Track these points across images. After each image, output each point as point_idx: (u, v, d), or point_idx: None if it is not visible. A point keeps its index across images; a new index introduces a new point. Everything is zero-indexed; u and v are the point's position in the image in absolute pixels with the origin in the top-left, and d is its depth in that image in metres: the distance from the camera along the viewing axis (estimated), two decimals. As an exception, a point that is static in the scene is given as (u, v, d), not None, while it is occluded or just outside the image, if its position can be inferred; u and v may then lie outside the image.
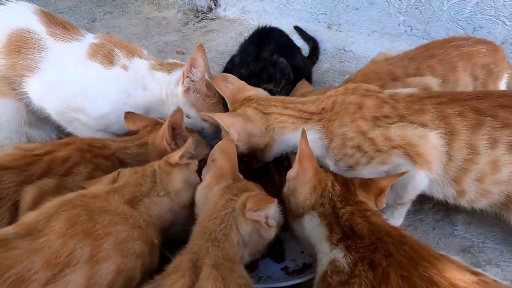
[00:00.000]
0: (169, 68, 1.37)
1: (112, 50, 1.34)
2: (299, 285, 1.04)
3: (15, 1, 1.34)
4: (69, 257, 0.73)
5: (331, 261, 0.80)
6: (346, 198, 0.90)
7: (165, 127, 1.09)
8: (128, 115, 1.24)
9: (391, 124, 1.04)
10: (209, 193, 0.95)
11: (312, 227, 0.91)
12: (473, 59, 1.32)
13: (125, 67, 1.34)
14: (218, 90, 1.28)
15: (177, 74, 1.34)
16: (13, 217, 0.93)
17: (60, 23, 1.33)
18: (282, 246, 1.17)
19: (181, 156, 0.99)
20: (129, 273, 0.81)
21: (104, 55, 1.33)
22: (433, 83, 1.33)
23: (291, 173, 0.98)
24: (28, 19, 1.30)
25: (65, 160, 1.03)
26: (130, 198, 0.91)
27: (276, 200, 0.89)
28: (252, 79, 1.52)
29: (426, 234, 1.23)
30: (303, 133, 0.96)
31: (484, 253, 1.16)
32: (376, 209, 0.92)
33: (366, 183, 0.94)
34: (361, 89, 1.14)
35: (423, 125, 1.03)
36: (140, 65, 1.36)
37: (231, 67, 1.70)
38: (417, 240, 0.80)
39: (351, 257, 0.77)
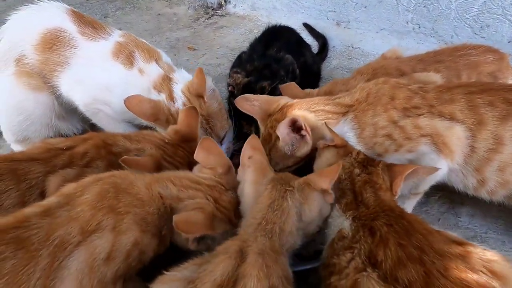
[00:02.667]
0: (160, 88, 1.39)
1: (134, 51, 1.40)
2: (309, 270, 1.10)
3: (47, 0, 1.42)
4: (97, 226, 0.85)
5: (339, 231, 0.90)
6: (365, 167, 1.00)
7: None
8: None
9: (420, 115, 1.10)
10: (259, 187, 0.96)
11: None
12: (479, 68, 1.38)
13: (141, 71, 1.39)
14: (245, 111, 1.30)
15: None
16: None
17: (89, 22, 1.42)
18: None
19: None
20: (143, 247, 0.91)
21: (126, 55, 1.39)
22: (437, 78, 1.38)
23: (321, 141, 1.08)
24: (61, 19, 1.38)
25: (84, 155, 1.10)
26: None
27: (339, 166, 0.95)
28: (254, 75, 1.57)
29: (432, 224, 1.22)
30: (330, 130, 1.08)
31: (486, 243, 1.21)
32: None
33: (391, 166, 1.02)
34: (392, 81, 1.20)
35: (451, 115, 1.08)
36: (153, 72, 1.41)
37: (238, 63, 1.76)
38: (416, 216, 0.89)
39: (355, 225, 0.87)
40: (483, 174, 1.10)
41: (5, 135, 1.52)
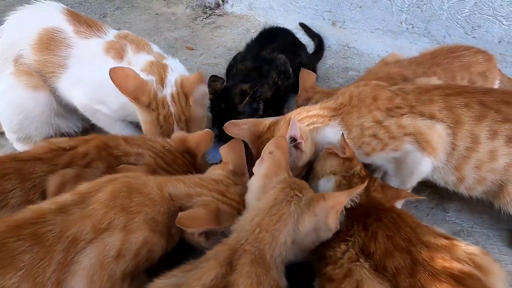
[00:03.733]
0: (151, 71, 1.37)
1: (125, 45, 1.41)
2: (304, 262, 1.14)
3: (43, 0, 1.44)
4: (109, 224, 0.89)
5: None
6: (362, 178, 1.05)
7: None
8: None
9: (403, 114, 1.15)
10: (268, 183, 0.93)
11: (325, 188, 1.07)
12: (471, 68, 1.44)
13: (130, 63, 1.39)
14: (235, 136, 1.27)
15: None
16: (43, 203, 1.04)
17: (84, 21, 1.43)
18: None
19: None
20: (152, 246, 0.94)
21: (117, 50, 1.40)
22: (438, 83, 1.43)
23: (328, 145, 1.13)
24: (57, 19, 1.40)
25: (85, 155, 1.12)
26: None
27: (362, 186, 0.92)
28: (244, 75, 1.60)
29: (420, 219, 1.28)
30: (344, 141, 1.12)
31: (472, 236, 1.26)
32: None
33: (387, 187, 1.08)
34: (373, 83, 1.25)
35: (431, 115, 1.13)
36: (142, 61, 1.39)
37: (233, 63, 1.80)
38: (405, 211, 0.95)
39: (349, 221, 0.92)
40: (462, 172, 1.16)
41: (7, 134, 1.55)
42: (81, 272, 0.83)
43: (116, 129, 1.50)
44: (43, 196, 1.04)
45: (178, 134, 1.27)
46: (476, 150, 1.11)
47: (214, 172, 1.12)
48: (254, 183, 0.99)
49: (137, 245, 0.90)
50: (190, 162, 1.23)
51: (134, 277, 0.94)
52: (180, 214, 0.93)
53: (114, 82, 1.24)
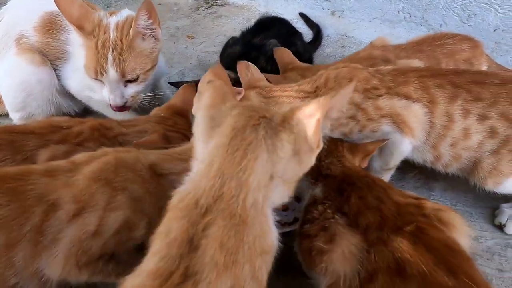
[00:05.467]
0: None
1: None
2: (289, 233, 1.19)
3: None
4: (91, 199, 0.86)
5: (311, 196, 0.99)
6: (330, 152, 1.07)
7: None
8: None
9: (379, 96, 1.18)
10: (217, 113, 0.70)
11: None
12: (456, 55, 1.47)
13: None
14: (239, 74, 1.32)
15: None
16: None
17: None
18: None
19: None
20: (133, 226, 0.91)
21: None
22: (419, 65, 1.46)
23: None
24: None
25: (78, 134, 1.14)
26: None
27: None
28: (231, 59, 1.60)
29: None
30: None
31: (455, 214, 1.30)
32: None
33: (355, 146, 1.11)
34: (350, 66, 1.27)
35: (407, 95, 1.16)
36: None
37: (225, 47, 1.84)
38: (379, 178, 0.99)
39: (325, 189, 0.97)
40: (438, 150, 1.19)
41: (10, 114, 1.60)
42: (61, 241, 0.83)
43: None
44: None
45: (162, 106, 1.31)
46: (451, 129, 1.14)
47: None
48: (198, 122, 0.74)
49: (116, 225, 0.87)
50: (186, 122, 1.26)
51: (114, 257, 0.91)
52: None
53: (59, 8, 1.23)
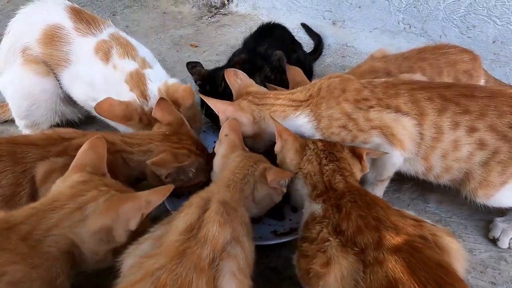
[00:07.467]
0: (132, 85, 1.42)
1: (112, 47, 1.45)
2: (285, 244, 1.21)
3: None
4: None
5: (311, 213, 0.99)
6: (330, 154, 1.09)
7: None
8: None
9: (370, 107, 1.20)
10: (227, 160, 1.12)
11: (300, 187, 1.10)
12: (457, 66, 1.49)
13: (115, 66, 1.43)
14: (228, 82, 1.37)
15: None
16: (33, 188, 1.05)
17: (84, 18, 1.48)
18: (281, 208, 1.34)
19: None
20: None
21: (104, 52, 1.44)
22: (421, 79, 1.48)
23: (276, 148, 1.16)
24: (59, 15, 1.47)
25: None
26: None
27: (291, 174, 1.09)
28: (236, 67, 1.63)
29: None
30: (273, 118, 1.18)
31: (449, 226, 1.31)
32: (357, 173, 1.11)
33: (353, 148, 1.13)
34: (345, 76, 1.30)
35: (397, 108, 1.18)
36: (126, 68, 1.43)
37: (232, 57, 1.88)
38: (379, 197, 1.00)
39: (325, 206, 0.97)
40: (429, 162, 1.21)
41: (16, 121, 1.64)
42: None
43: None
44: (32, 181, 1.05)
45: (157, 125, 1.32)
46: (441, 140, 1.16)
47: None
48: (216, 162, 1.17)
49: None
50: (189, 136, 1.31)
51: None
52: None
53: (103, 115, 1.33)
